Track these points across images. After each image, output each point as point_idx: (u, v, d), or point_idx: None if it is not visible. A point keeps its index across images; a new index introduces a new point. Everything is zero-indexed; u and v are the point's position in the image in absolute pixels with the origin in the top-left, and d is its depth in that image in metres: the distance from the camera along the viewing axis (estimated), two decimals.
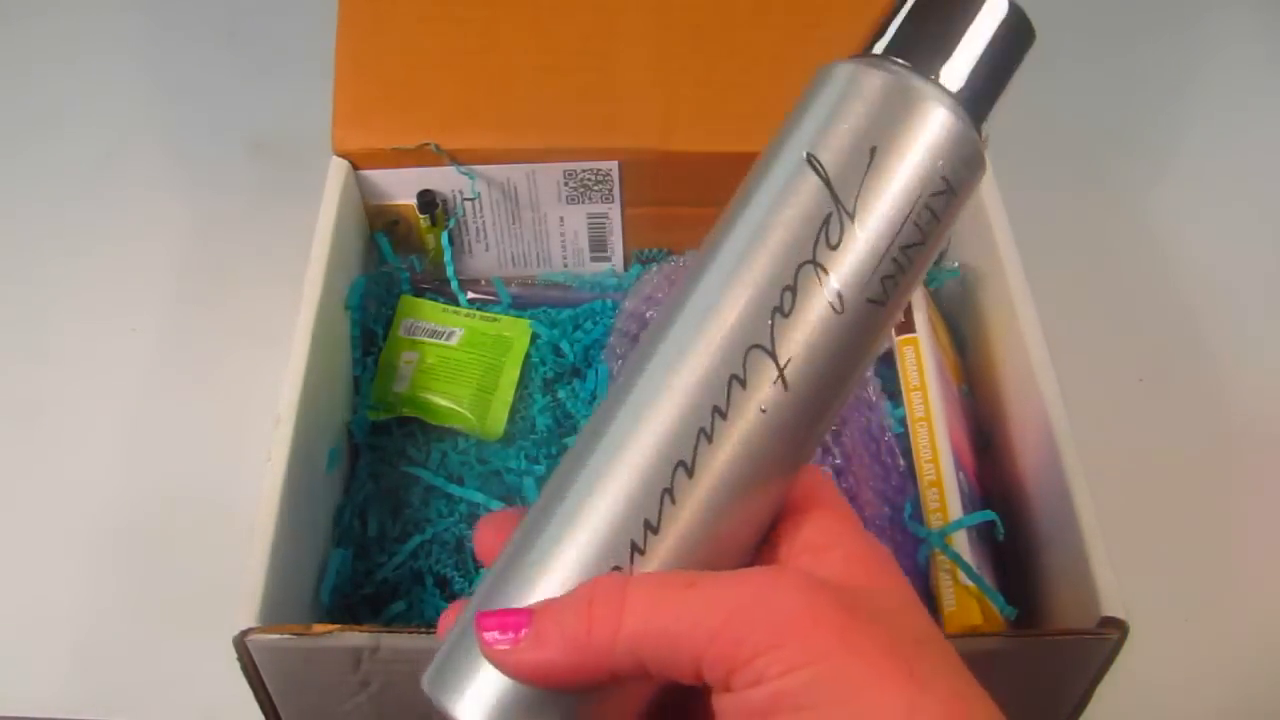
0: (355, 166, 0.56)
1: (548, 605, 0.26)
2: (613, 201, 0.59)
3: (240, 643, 0.39)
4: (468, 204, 0.58)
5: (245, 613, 0.39)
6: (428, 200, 0.57)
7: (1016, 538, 0.49)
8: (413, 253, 0.60)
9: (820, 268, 0.26)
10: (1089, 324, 0.64)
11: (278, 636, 0.39)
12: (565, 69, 0.56)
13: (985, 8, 0.28)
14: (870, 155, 0.26)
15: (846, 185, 0.26)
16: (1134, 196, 0.72)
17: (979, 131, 0.28)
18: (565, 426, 0.55)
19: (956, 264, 0.58)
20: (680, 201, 0.59)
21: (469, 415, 0.54)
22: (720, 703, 0.25)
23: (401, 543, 0.51)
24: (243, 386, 0.60)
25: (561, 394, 0.56)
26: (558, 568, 0.26)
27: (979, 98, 0.28)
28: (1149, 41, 0.81)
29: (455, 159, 0.56)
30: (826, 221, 0.26)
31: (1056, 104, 0.74)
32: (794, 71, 0.56)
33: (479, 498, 0.52)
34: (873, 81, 0.27)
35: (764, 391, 0.26)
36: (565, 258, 0.62)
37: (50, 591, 0.54)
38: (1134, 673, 0.42)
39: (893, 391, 0.53)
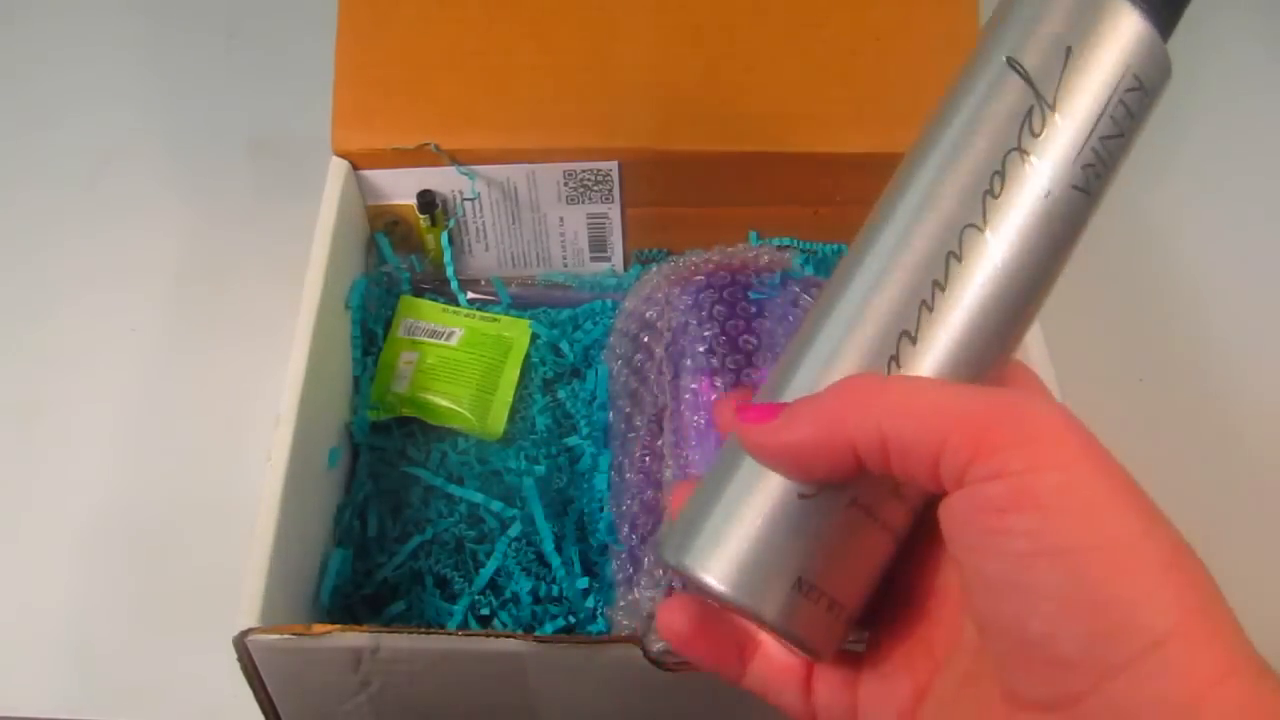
0: (355, 166, 0.56)
1: (803, 398, 0.27)
2: (612, 201, 0.58)
3: (240, 643, 0.39)
4: (467, 204, 0.58)
5: (245, 613, 0.39)
6: (427, 200, 0.57)
7: None
8: (413, 253, 0.60)
9: (1025, 153, 0.28)
10: (1089, 324, 0.64)
11: (278, 637, 0.39)
12: (565, 69, 0.56)
13: None
14: (1066, 54, 0.28)
15: (1046, 80, 0.28)
16: (1133, 196, 0.72)
17: (1165, 41, 0.30)
18: (565, 426, 0.55)
19: None
20: (680, 201, 0.59)
21: (469, 415, 0.54)
22: (950, 506, 0.24)
23: (401, 543, 0.51)
24: (243, 386, 0.60)
25: (561, 394, 0.56)
26: None
27: (1167, 10, 0.30)
28: None
29: (455, 159, 0.56)
30: (1029, 113, 0.28)
31: None
32: (794, 71, 0.56)
33: (479, 498, 0.52)
34: None
35: (978, 266, 0.28)
36: (565, 258, 0.62)
37: (50, 591, 0.54)
38: None
39: None
